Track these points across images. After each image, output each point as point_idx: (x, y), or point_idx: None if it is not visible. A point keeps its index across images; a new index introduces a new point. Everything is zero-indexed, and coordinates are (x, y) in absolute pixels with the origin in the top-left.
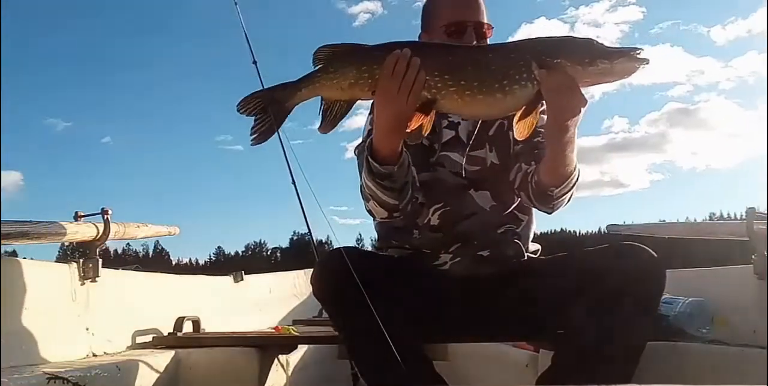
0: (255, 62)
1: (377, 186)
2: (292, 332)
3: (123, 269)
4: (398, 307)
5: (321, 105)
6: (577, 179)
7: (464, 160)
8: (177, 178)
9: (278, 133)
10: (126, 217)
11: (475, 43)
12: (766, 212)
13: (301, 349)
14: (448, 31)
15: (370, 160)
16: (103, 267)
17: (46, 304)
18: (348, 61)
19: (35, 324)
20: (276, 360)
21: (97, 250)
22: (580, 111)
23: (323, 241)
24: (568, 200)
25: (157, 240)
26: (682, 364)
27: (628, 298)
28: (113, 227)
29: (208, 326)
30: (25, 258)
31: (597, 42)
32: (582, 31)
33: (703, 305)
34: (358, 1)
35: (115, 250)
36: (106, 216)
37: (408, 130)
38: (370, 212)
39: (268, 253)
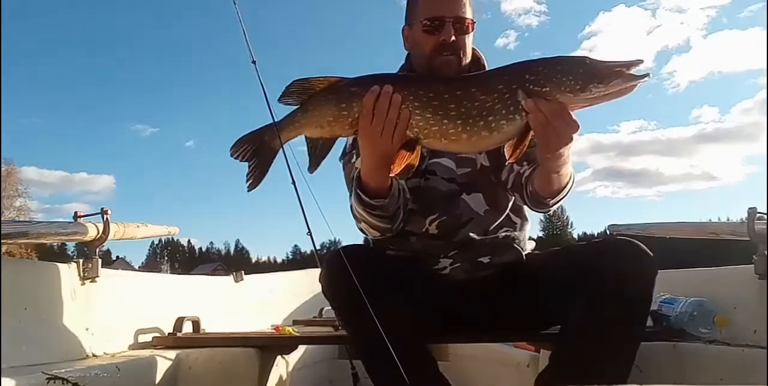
0: (254, 62)
1: (369, 214)
2: (292, 332)
3: (204, 266)
4: (404, 307)
5: (306, 144)
6: (572, 185)
7: (455, 163)
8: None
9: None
10: (202, 213)
11: (453, 38)
12: (766, 212)
13: (301, 349)
14: (425, 26)
15: (359, 193)
16: (102, 267)
17: (46, 304)
18: (326, 99)
19: (35, 324)
20: (276, 360)
21: (97, 250)
22: (572, 138)
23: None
24: (562, 200)
25: (238, 239)
26: (682, 364)
27: (619, 293)
28: (113, 227)
29: (208, 326)
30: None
31: (590, 61)
32: (664, 18)
33: (704, 305)
34: None
35: (200, 249)
36: (105, 217)
37: (392, 173)
38: (362, 230)
39: None
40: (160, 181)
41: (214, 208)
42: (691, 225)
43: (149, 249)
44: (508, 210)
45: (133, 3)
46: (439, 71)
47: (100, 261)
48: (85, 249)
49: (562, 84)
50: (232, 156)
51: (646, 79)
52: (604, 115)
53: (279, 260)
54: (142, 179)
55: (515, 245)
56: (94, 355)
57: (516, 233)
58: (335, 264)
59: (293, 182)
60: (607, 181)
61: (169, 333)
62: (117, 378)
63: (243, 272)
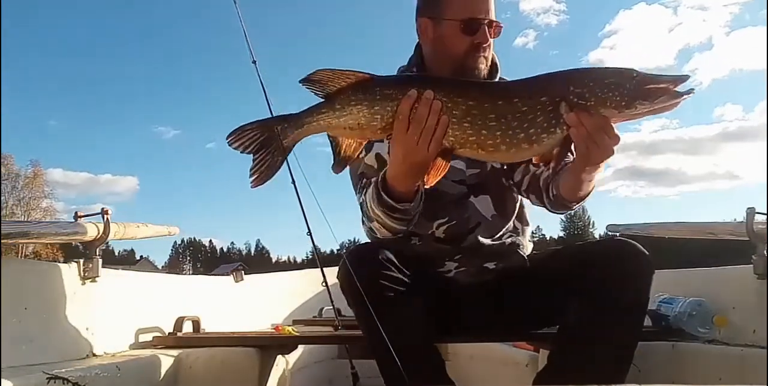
0: (254, 62)
1: (387, 216)
2: (292, 332)
3: (225, 266)
4: (421, 306)
5: (330, 143)
6: (594, 187)
7: (465, 164)
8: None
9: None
10: (232, 212)
11: (490, 41)
12: (766, 212)
13: (301, 349)
14: (463, 26)
15: (383, 195)
16: (102, 266)
17: (47, 304)
18: (356, 99)
19: (35, 324)
20: (276, 359)
21: (97, 250)
22: (613, 151)
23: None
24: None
25: (258, 239)
26: (682, 364)
27: (616, 293)
28: (113, 227)
29: (208, 326)
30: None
31: (637, 75)
32: (686, 16)
33: (703, 305)
34: None
35: (221, 249)
36: (106, 217)
37: (427, 185)
38: (371, 230)
39: None
40: (183, 182)
41: (235, 209)
42: (690, 225)
43: (172, 249)
44: (514, 216)
45: (154, 3)
46: (470, 70)
47: (100, 261)
48: (84, 250)
49: (608, 99)
50: (230, 145)
51: (690, 94)
52: None
53: (299, 260)
54: (164, 180)
55: (519, 251)
56: (94, 355)
57: (519, 238)
58: (359, 261)
59: (293, 182)
60: (629, 181)
61: (169, 333)
62: (117, 378)
63: (243, 272)
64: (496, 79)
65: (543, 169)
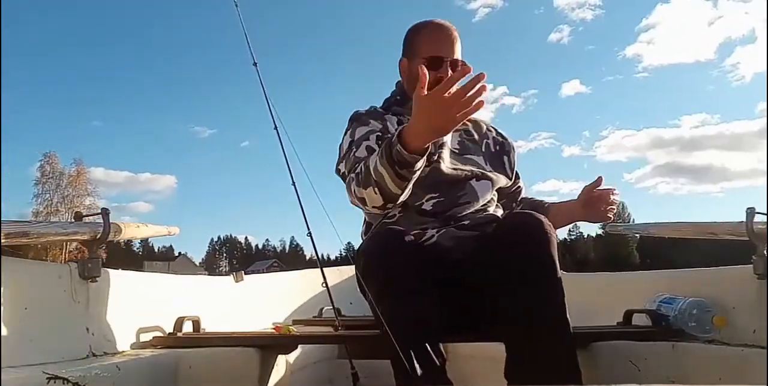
0: (255, 64)
1: (391, 172)
2: (292, 332)
3: (260, 262)
4: (435, 297)
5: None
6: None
7: (460, 164)
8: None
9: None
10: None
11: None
12: (766, 212)
13: (301, 349)
14: (427, 63)
15: (398, 147)
16: (102, 266)
17: (46, 304)
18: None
19: (35, 324)
20: (276, 359)
21: (97, 250)
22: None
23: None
24: None
25: (293, 236)
26: (680, 364)
27: (522, 262)
28: (113, 227)
29: (208, 326)
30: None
31: None
32: (726, 8)
33: (703, 305)
34: None
35: (256, 246)
36: (106, 217)
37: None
38: (362, 200)
39: None
40: (219, 180)
41: (269, 206)
42: (690, 225)
43: (209, 246)
44: (502, 204)
45: (192, 10)
46: None
47: (100, 261)
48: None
49: None
50: None
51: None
52: (664, 109)
53: (333, 257)
54: (201, 178)
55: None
56: (94, 355)
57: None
58: (381, 249)
59: (293, 183)
60: (669, 177)
61: (169, 333)
62: (117, 378)
63: (243, 272)
64: None
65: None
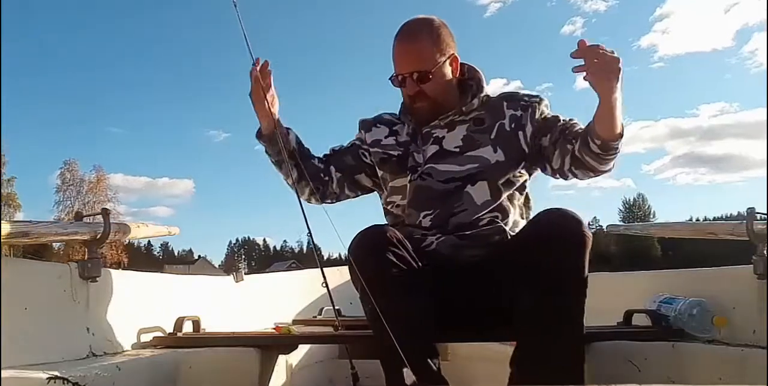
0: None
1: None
2: (293, 332)
3: (278, 263)
4: (428, 294)
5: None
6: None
7: (457, 165)
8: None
9: (278, 135)
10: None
11: (417, 90)
12: (766, 212)
13: (302, 349)
14: (394, 82)
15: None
16: (104, 267)
17: (46, 304)
18: None
19: (35, 324)
20: (276, 359)
21: (97, 250)
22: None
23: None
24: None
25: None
26: (680, 364)
27: (552, 260)
28: (113, 227)
29: (208, 326)
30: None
31: None
32: None
33: (703, 305)
34: None
35: (274, 247)
36: (106, 217)
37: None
38: (308, 198)
39: None
40: (235, 183)
41: (286, 207)
42: (690, 225)
43: (227, 249)
44: (501, 203)
45: (203, 18)
46: (419, 115)
47: (100, 261)
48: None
49: None
50: None
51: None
52: (681, 98)
53: (344, 258)
54: (218, 182)
55: (500, 224)
56: (94, 355)
57: (504, 219)
58: (370, 245)
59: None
60: (688, 168)
61: (169, 333)
62: (117, 378)
63: (243, 272)
64: (479, 99)
65: (556, 136)
